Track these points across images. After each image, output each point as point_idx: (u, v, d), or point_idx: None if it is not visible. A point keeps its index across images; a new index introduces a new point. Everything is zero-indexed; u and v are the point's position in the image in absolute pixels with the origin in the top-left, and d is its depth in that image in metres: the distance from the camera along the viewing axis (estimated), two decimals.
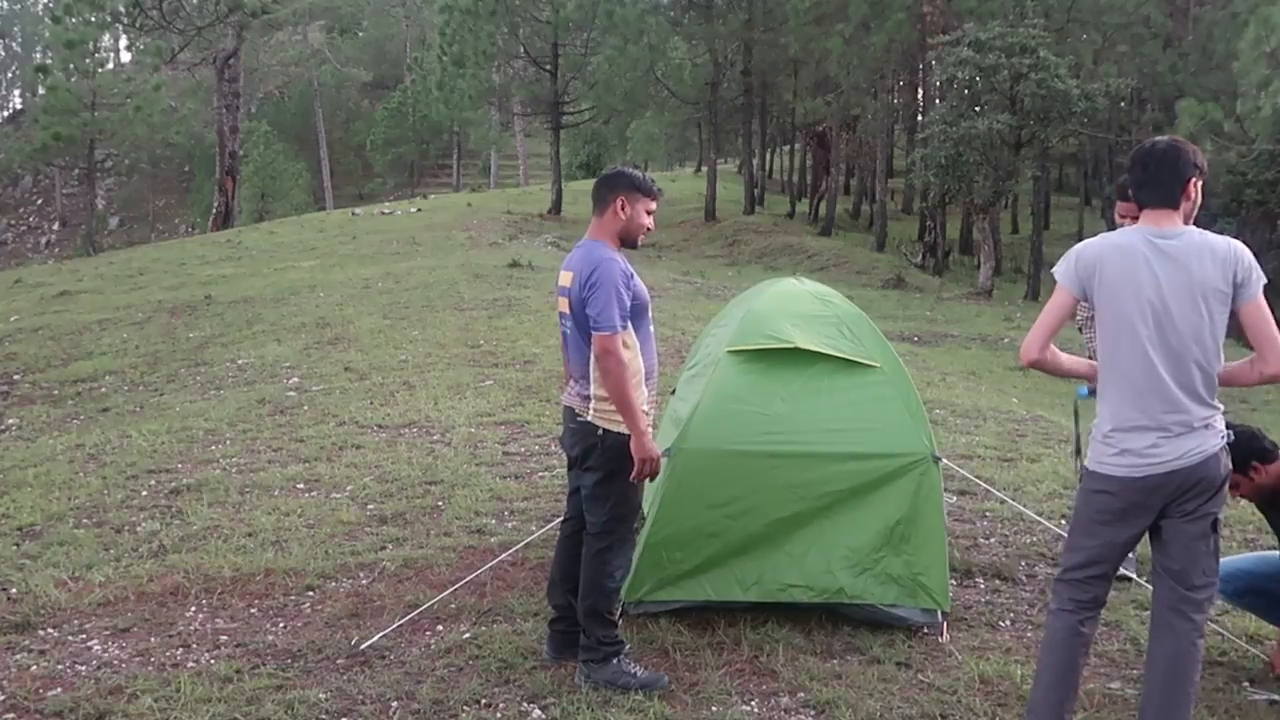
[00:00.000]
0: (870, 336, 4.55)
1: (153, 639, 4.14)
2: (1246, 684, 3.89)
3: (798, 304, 4.69)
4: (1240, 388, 3.24)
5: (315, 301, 14.80)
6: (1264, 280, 3.10)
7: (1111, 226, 4.62)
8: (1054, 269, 3.25)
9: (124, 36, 48.79)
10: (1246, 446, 3.62)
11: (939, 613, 4.23)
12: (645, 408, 3.69)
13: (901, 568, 4.19)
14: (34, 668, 3.89)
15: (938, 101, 31.73)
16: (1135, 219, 4.27)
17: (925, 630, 4.23)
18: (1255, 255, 3.22)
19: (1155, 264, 3.04)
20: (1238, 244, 3.10)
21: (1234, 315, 3.09)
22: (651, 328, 3.79)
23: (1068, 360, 3.33)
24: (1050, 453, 7.33)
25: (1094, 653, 4.02)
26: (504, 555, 4.88)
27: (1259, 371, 3.09)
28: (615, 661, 3.69)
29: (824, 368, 4.39)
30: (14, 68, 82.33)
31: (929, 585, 4.20)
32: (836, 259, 27.44)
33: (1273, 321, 3.08)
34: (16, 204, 63.63)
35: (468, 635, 4.15)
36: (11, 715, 3.53)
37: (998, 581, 4.89)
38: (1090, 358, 3.65)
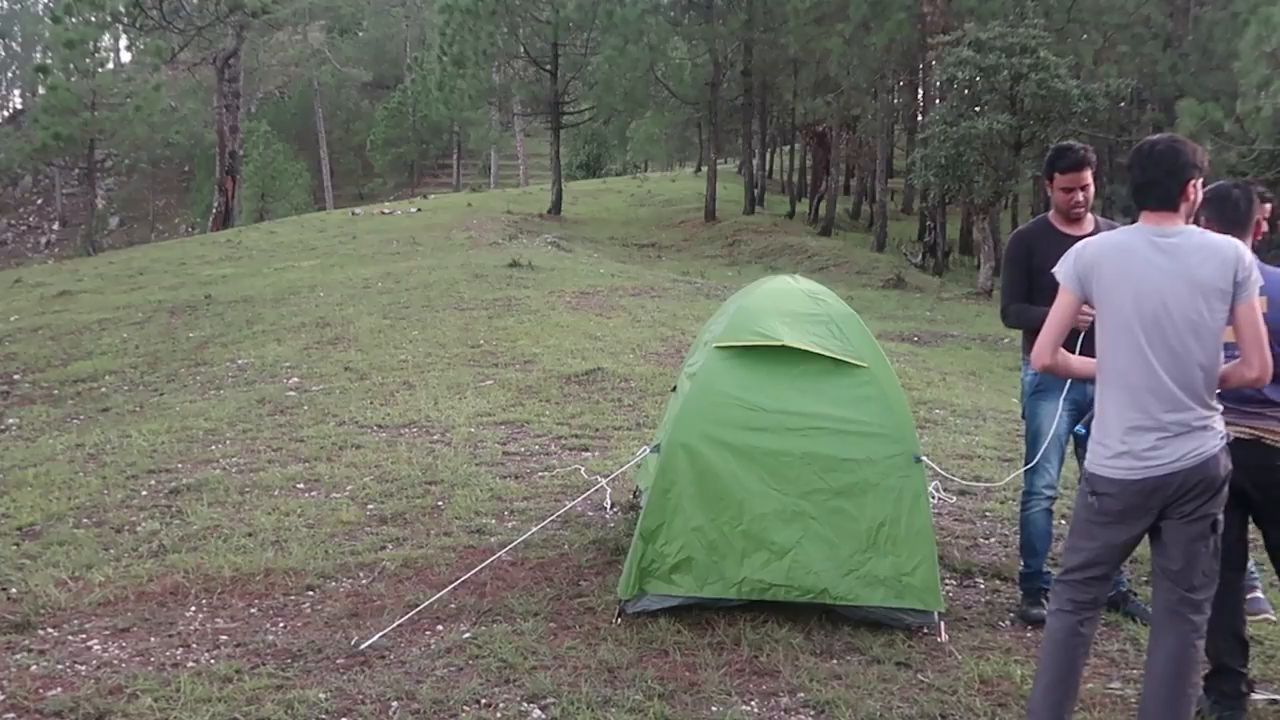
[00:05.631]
0: (859, 336, 4.55)
1: (153, 639, 4.14)
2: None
3: (789, 301, 4.70)
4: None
5: (315, 301, 14.80)
6: (1261, 282, 3.10)
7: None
8: (1054, 269, 3.25)
9: (124, 36, 48.79)
10: None
11: (936, 613, 4.22)
12: None
13: (888, 569, 4.19)
14: (34, 668, 3.89)
15: (938, 101, 31.70)
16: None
17: (925, 630, 4.23)
18: (1255, 255, 3.22)
19: (1155, 263, 3.04)
20: (1238, 243, 3.09)
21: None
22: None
23: (1077, 363, 3.37)
24: None
25: (1094, 653, 4.02)
26: (503, 554, 4.88)
27: (1241, 374, 3.09)
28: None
29: (811, 367, 4.40)
30: (14, 68, 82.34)
31: (917, 586, 4.19)
32: (836, 259, 27.42)
33: (1263, 325, 3.07)
34: (16, 204, 63.63)
35: (468, 635, 4.14)
36: (11, 715, 3.53)
37: (998, 581, 4.89)
38: None
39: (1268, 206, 3.72)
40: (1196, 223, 3.38)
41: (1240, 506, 3.38)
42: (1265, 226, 3.67)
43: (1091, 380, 3.34)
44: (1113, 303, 3.08)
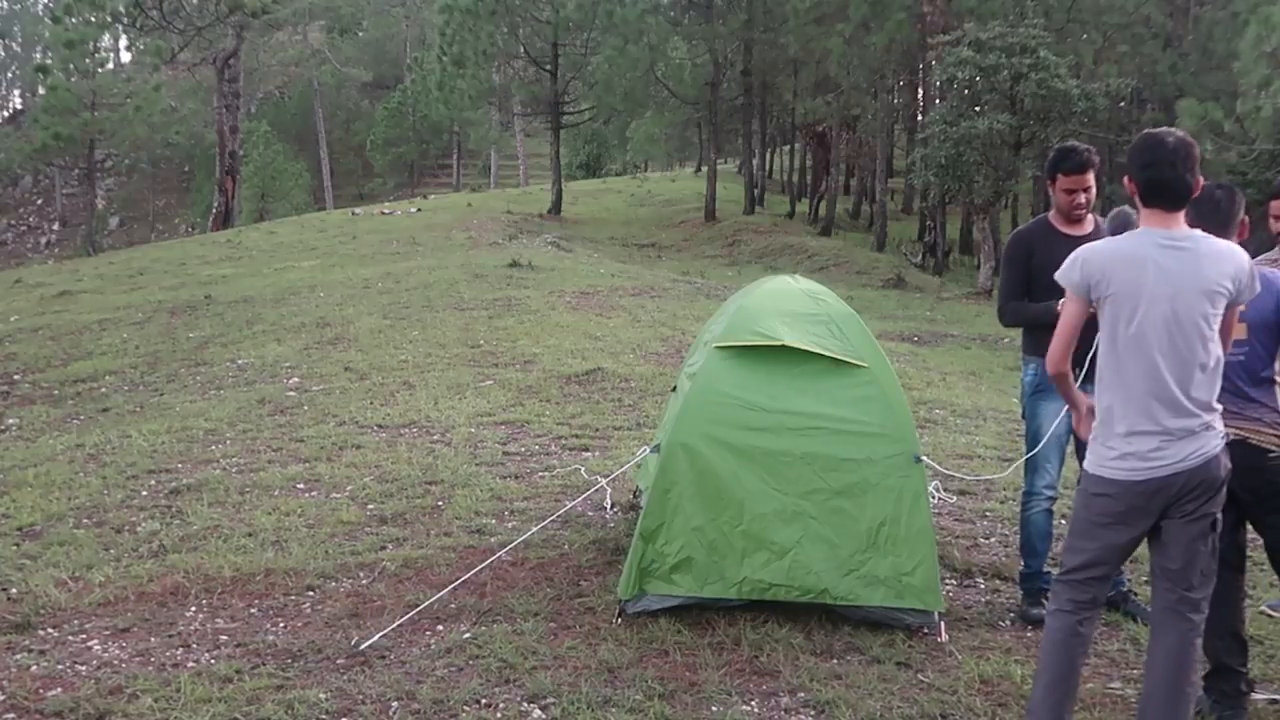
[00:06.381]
0: (859, 336, 4.55)
1: (153, 639, 4.14)
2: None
3: (789, 301, 4.70)
4: None
5: (315, 301, 14.80)
6: (1258, 289, 3.12)
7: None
8: (1057, 274, 3.23)
9: (124, 36, 48.84)
10: None
11: (936, 613, 4.22)
12: None
13: (888, 569, 4.19)
14: (34, 668, 3.89)
15: (938, 101, 31.68)
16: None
17: (925, 630, 4.23)
18: (1255, 255, 3.22)
19: (1164, 269, 3.02)
20: (1240, 250, 3.10)
21: None
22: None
23: (1080, 397, 3.35)
24: None
25: (1094, 653, 4.02)
26: (503, 554, 4.88)
27: None
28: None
29: (811, 366, 4.40)
30: (14, 68, 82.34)
31: (917, 586, 4.19)
32: (836, 259, 27.42)
33: (1230, 332, 3.17)
34: (16, 204, 63.65)
35: (468, 635, 4.15)
36: (11, 715, 3.53)
37: (998, 581, 4.89)
38: None
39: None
40: None
41: (1233, 506, 3.38)
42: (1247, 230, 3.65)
43: (1087, 356, 3.34)
44: (1123, 311, 3.06)
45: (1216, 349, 3.06)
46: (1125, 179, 3.16)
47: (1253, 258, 3.44)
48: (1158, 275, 3.02)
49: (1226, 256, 3.04)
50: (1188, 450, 3.03)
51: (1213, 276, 3.00)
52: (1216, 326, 3.05)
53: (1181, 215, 3.09)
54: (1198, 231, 3.10)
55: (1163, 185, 3.06)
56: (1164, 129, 3.20)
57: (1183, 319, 3.01)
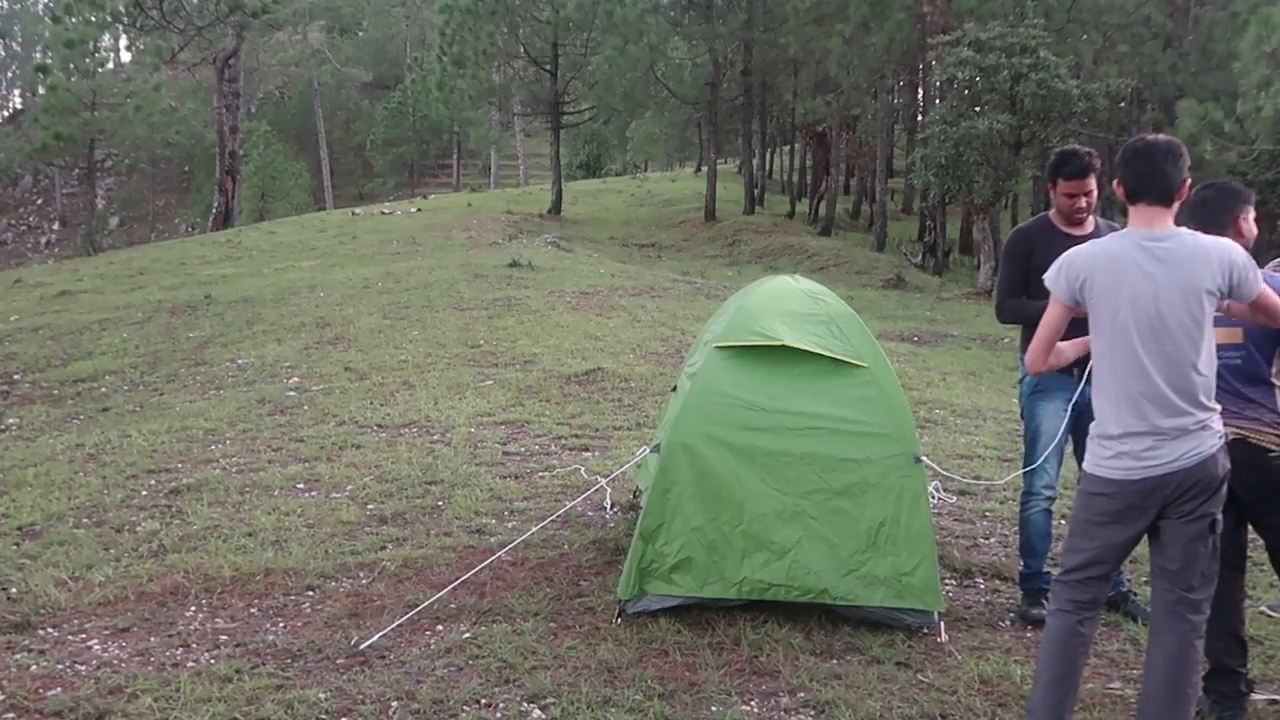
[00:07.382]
0: (859, 336, 4.55)
1: (153, 639, 4.14)
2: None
3: (789, 301, 4.70)
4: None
5: (315, 301, 14.80)
6: (1260, 275, 3.10)
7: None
8: (1044, 276, 3.24)
9: (124, 36, 48.78)
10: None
11: (936, 613, 4.22)
12: None
13: (888, 569, 4.19)
14: (34, 668, 3.89)
15: (938, 101, 31.68)
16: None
17: (925, 630, 4.23)
18: (1255, 255, 3.21)
19: (1148, 269, 3.02)
20: (1231, 245, 3.09)
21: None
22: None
23: (1070, 349, 3.37)
24: None
25: (1094, 653, 4.02)
26: (503, 554, 4.88)
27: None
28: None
29: (811, 366, 4.40)
30: (14, 68, 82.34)
31: (917, 586, 4.19)
32: (836, 259, 27.42)
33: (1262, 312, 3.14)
34: (16, 204, 63.65)
35: (468, 635, 4.15)
36: (11, 715, 3.53)
37: (998, 581, 4.90)
38: None
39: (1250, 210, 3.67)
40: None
41: (1234, 506, 3.37)
42: (1254, 229, 3.63)
43: (1087, 356, 3.34)
44: (1107, 311, 3.08)
45: (1211, 350, 3.06)
46: (1114, 182, 3.17)
47: (1257, 261, 3.42)
48: (1139, 275, 3.02)
49: (1213, 252, 3.02)
50: (1182, 450, 3.03)
51: (1198, 276, 3.00)
52: (1209, 325, 3.04)
53: (1169, 214, 3.09)
54: (1184, 230, 3.10)
55: (1149, 178, 3.07)
56: (1151, 135, 3.22)
57: (1168, 319, 3.01)
